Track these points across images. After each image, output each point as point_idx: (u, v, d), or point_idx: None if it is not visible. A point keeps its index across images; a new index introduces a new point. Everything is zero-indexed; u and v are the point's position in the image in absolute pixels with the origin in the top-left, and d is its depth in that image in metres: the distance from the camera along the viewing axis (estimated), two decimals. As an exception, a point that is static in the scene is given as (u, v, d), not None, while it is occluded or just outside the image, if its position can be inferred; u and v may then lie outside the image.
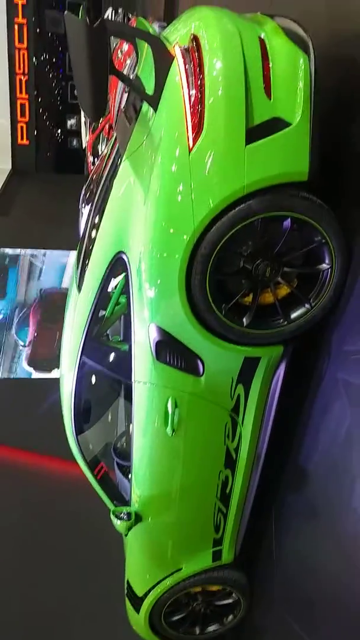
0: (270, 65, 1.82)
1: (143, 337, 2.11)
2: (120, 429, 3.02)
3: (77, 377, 2.40)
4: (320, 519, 2.29)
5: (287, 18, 2.03)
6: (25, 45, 9.84)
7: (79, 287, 2.36)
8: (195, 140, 1.78)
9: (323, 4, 2.43)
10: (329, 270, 1.96)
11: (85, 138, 6.07)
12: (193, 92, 1.80)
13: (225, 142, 1.76)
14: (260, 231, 1.90)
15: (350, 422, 2.00)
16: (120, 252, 2.11)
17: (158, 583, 2.72)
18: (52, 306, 6.17)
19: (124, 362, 2.24)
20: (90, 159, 5.30)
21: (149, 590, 2.75)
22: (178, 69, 1.86)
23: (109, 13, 5.45)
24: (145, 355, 2.14)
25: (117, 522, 2.41)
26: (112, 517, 2.45)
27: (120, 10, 5.09)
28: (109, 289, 2.28)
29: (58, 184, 9.54)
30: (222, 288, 1.98)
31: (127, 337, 2.22)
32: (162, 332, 2.05)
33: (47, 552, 3.72)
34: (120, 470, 2.78)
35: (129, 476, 2.55)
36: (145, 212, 1.92)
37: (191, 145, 1.79)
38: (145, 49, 2.03)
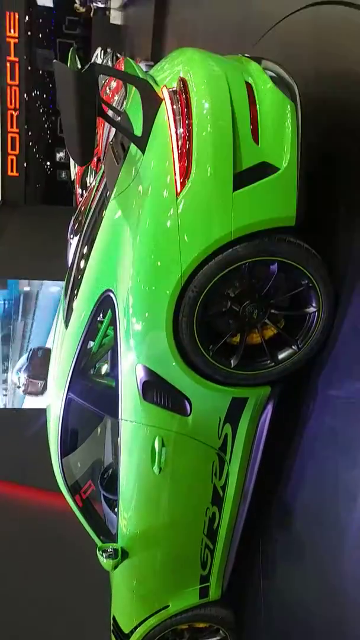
0: (258, 110, 1.83)
1: (130, 376, 2.09)
2: (107, 460, 2.99)
3: (63, 411, 2.37)
4: (306, 557, 2.28)
5: (271, 61, 2.06)
6: (16, 82, 10.43)
7: (66, 322, 2.34)
8: (182, 185, 1.78)
9: (306, 45, 2.47)
10: (316, 313, 1.96)
11: (74, 170, 6.16)
12: (181, 135, 1.81)
13: (212, 188, 1.76)
14: (247, 274, 1.90)
15: (336, 466, 1.99)
16: (108, 290, 2.09)
17: (144, 620, 2.68)
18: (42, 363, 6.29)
19: (111, 400, 2.22)
20: (79, 191, 5.36)
21: (135, 628, 2.71)
22: (166, 112, 1.86)
23: (97, 52, 5.56)
24: (132, 394, 2.12)
25: (103, 560, 2.38)
26: (98, 553, 2.41)
27: (109, 50, 5.19)
28: (97, 323, 2.26)
29: (46, 215, 9.68)
30: (209, 328, 1.97)
31: (114, 374, 2.20)
32: (149, 372, 2.03)
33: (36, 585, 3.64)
34: (107, 503, 2.74)
35: (115, 510, 2.52)
36: (133, 254, 1.91)
37: (179, 190, 1.78)
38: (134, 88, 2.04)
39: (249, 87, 1.87)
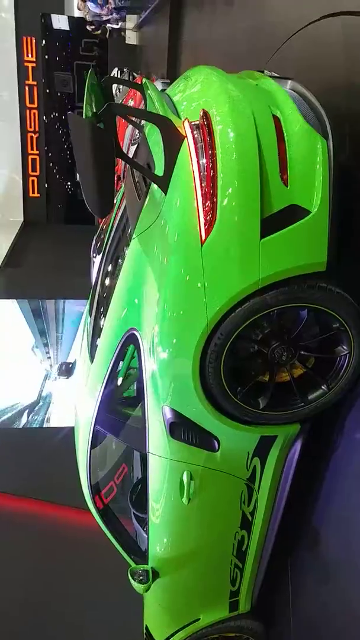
0: (286, 148, 1.72)
1: (156, 415, 2.08)
2: (135, 475, 3.03)
3: (90, 441, 2.39)
4: (331, 581, 2.30)
5: (300, 84, 1.92)
6: (35, 105, 10.69)
7: (91, 357, 2.33)
8: (207, 232, 1.71)
9: (321, 57, 2.34)
10: (348, 355, 1.89)
11: None
12: (204, 177, 1.72)
13: (238, 236, 1.68)
14: (276, 319, 1.84)
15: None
16: (132, 328, 2.06)
17: (177, 632, 2.76)
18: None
19: (138, 433, 2.22)
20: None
21: (168, 638, 2.80)
22: (188, 151, 1.77)
23: (114, 72, 5.41)
24: (159, 431, 2.12)
25: (134, 584, 2.44)
26: (130, 577, 2.47)
27: (125, 70, 5.01)
28: (122, 358, 2.23)
29: (68, 235, 9.60)
30: (236, 370, 1.93)
31: (141, 410, 2.20)
32: (176, 414, 2.01)
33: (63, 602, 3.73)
34: (137, 520, 2.80)
35: (145, 528, 2.57)
36: (157, 299, 1.86)
37: (203, 238, 1.71)
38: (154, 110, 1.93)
39: (276, 121, 1.75)
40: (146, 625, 2.95)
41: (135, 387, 2.42)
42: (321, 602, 2.46)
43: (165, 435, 2.10)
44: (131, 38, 8.46)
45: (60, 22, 10.54)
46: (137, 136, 2.57)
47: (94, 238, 2.91)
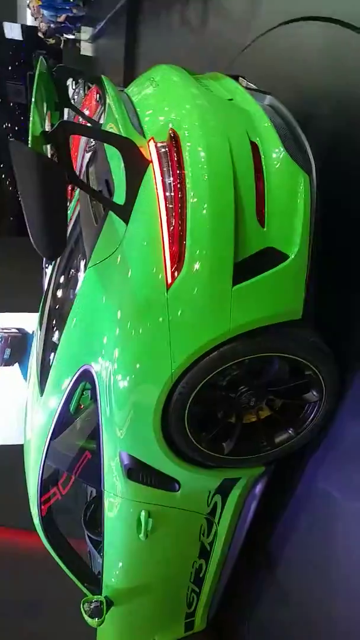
0: (265, 183, 1.53)
1: (113, 458, 1.92)
2: (89, 492, 2.89)
3: (40, 474, 2.22)
4: (288, 602, 2.32)
5: (279, 103, 1.72)
6: None
7: (41, 389, 2.12)
8: (174, 275, 1.52)
9: (278, 64, 2.35)
10: (318, 402, 1.78)
11: None
12: (172, 211, 1.51)
13: (209, 282, 1.50)
14: (245, 365, 1.69)
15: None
16: (87, 365, 1.86)
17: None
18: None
19: (92, 470, 2.06)
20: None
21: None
22: (154, 179, 1.55)
23: (69, 83, 5.06)
24: (114, 471, 1.96)
25: (87, 618, 2.33)
26: (82, 609, 2.36)
27: (80, 81, 4.65)
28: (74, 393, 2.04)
29: (20, 247, 8.89)
30: (200, 415, 1.78)
31: (96, 447, 2.03)
32: (134, 459, 1.86)
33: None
34: (92, 543, 2.67)
35: (100, 553, 2.45)
36: (115, 341, 1.67)
37: (169, 281, 1.52)
38: (114, 109, 1.69)
39: (254, 150, 1.55)
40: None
41: (88, 422, 2.24)
42: (278, 619, 2.47)
43: (121, 476, 1.95)
44: (86, 49, 8.14)
45: (13, 31, 10.05)
46: (93, 143, 2.30)
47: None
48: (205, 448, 1.81)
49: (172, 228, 1.50)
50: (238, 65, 2.79)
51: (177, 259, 1.50)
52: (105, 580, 2.42)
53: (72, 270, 2.23)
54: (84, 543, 2.75)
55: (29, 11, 8.95)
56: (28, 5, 8.39)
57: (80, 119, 2.51)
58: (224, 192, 1.49)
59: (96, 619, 2.31)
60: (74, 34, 8.17)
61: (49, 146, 1.48)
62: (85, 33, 7.88)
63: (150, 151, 1.58)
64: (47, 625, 3.44)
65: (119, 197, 1.61)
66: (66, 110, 2.30)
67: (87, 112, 2.92)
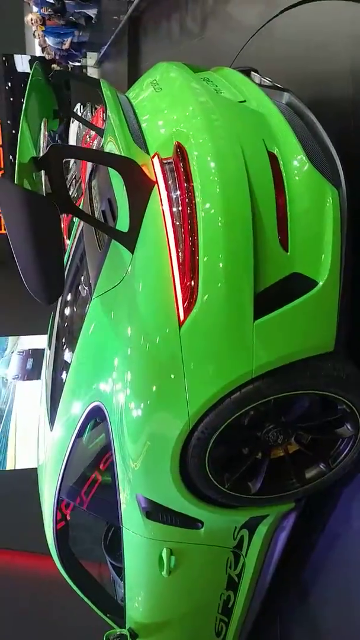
0: (287, 200, 1.34)
1: (130, 497, 1.77)
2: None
3: (55, 509, 2.09)
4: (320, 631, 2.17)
5: (297, 99, 1.51)
6: (0, 143, 10.49)
7: (51, 422, 1.98)
8: (187, 312, 1.34)
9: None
10: (353, 437, 1.60)
11: (62, 224, 5.77)
12: (182, 240, 1.33)
13: (227, 318, 1.33)
14: (271, 405, 1.51)
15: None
16: (97, 402, 1.71)
17: None
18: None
19: (110, 506, 1.92)
20: (67, 241, 4.95)
21: None
22: (160, 203, 1.37)
23: (77, 107, 5.05)
24: (133, 510, 1.82)
25: (112, 656, 2.23)
26: None
27: (87, 104, 4.60)
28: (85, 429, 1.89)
29: None
30: (223, 456, 1.62)
31: (112, 482, 1.89)
32: (152, 502, 1.72)
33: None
34: (114, 568, 2.56)
35: (123, 581, 2.34)
36: (127, 380, 1.50)
37: (182, 319, 1.35)
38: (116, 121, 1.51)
39: (273, 163, 1.35)
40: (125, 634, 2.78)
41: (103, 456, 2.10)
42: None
43: (141, 515, 1.81)
44: (93, 74, 8.57)
45: (23, 64, 10.12)
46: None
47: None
48: (230, 489, 1.65)
49: (182, 259, 1.32)
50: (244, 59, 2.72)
51: (190, 294, 1.32)
52: (128, 611, 2.30)
53: (79, 289, 2.07)
54: (105, 567, 2.65)
55: (36, 41, 8.88)
56: (34, 34, 8.31)
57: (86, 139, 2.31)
58: (241, 217, 1.30)
59: (121, 657, 2.20)
60: (79, 61, 8.41)
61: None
62: (91, 59, 8.23)
63: (155, 169, 1.39)
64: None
65: (123, 223, 1.44)
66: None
67: (94, 133, 2.73)
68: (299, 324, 1.36)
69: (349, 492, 1.90)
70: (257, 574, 2.20)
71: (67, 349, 1.94)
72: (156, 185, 1.37)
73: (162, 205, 1.36)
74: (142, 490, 1.68)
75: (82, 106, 4.73)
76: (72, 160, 5.42)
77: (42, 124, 2.01)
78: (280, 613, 2.51)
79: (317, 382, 1.43)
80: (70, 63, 8.63)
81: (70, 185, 4.97)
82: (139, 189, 1.36)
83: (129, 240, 1.41)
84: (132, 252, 1.43)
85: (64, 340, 2.17)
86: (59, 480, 1.95)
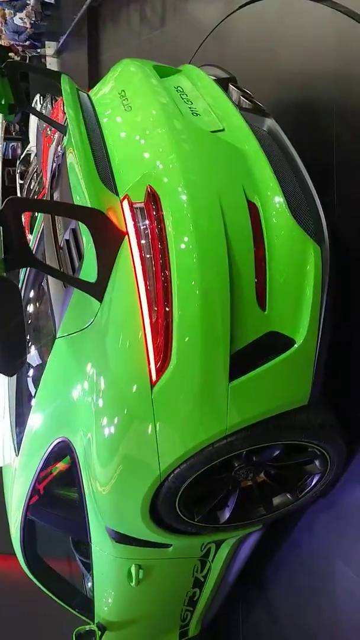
0: (266, 255, 1.25)
1: (99, 527, 1.77)
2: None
3: (22, 524, 2.07)
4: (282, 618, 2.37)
5: (278, 126, 1.40)
6: None
7: (17, 448, 1.92)
8: (159, 373, 1.27)
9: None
10: (321, 474, 1.62)
11: (23, 218, 5.40)
12: (155, 297, 1.24)
13: (201, 380, 1.27)
14: (243, 454, 1.50)
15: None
16: (62, 438, 1.65)
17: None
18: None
19: (78, 524, 1.92)
20: (29, 236, 4.71)
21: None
22: (131, 255, 1.26)
23: (37, 99, 4.65)
24: (102, 535, 1.82)
25: (82, 654, 2.30)
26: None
27: (47, 95, 4.17)
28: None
29: None
30: (194, 494, 1.61)
31: (80, 506, 1.87)
32: (121, 534, 1.71)
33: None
34: (83, 563, 2.61)
35: (91, 576, 2.39)
36: (94, 435, 1.44)
37: (154, 379, 1.28)
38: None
39: (253, 212, 1.25)
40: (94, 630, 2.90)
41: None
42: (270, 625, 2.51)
43: (110, 540, 1.82)
44: (52, 64, 8.05)
45: None
46: (61, 153, 1.92)
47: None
48: (199, 521, 1.66)
49: (155, 318, 1.24)
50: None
51: (163, 355, 1.25)
52: (97, 608, 2.37)
53: (41, 314, 1.93)
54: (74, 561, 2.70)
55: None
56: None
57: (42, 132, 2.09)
58: (217, 273, 1.21)
59: (90, 652, 2.29)
60: (38, 52, 8.02)
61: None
62: (50, 48, 7.81)
63: (125, 214, 1.27)
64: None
65: (90, 270, 1.32)
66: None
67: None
68: (274, 384, 1.32)
69: (313, 506, 1.96)
70: (222, 573, 2.29)
71: (30, 376, 1.84)
72: (126, 236, 1.25)
73: (132, 257, 1.25)
74: (112, 524, 1.67)
75: (41, 97, 4.35)
76: (32, 153, 5.03)
77: None
78: (241, 600, 2.65)
79: (291, 434, 1.42)
80: (27, 52, 8.19)
81: (31, 180, 4.64)
82: (108, 241, 1.24)
83: (97, 290, 1.31)
84: (100, 301, 1.33)
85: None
86: (27, 499, 1.91)
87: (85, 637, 2.34)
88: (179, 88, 1.59)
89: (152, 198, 1.25)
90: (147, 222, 1.25)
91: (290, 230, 1.24)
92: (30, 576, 2.41)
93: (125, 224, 1.26)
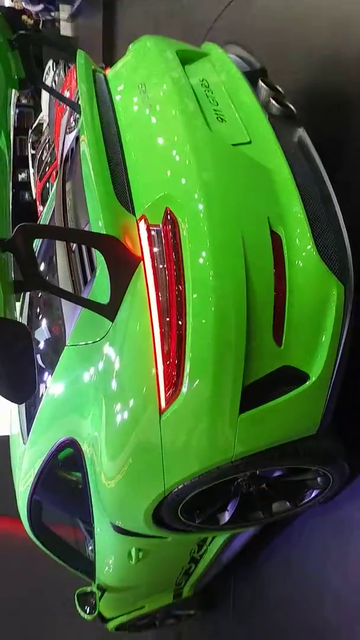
0: (286, 292, 1.20)
1: (103, 520, 1.82)
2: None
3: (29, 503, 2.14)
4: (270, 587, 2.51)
5: (308, 136, 1.31)
6: None
7: (25, 435, 1.94)
8: (169, 401, 1.25)
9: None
10: (321, 490, 1.64)
11: (34, 189, 5.18)
12: (168, 325, 1.21)
13: (210, 412, 1.25)
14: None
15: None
16: (70, 438, 1.67)
17: (120, 616, 2.93)
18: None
19: (82, 507, 1.98)
20: (40, 208, 4.56)
21: (113, 617, 2.97)
22: (146, 282, 1.21)
23: (50, 65, 4.31)
24: (104, 522, 1.89)
25: (81, 612, 2.45)
26: (76, 602, 2.47)
27: (60, 61, 3.73)
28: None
29: None
30: (196, 501, 1.64)
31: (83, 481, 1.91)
32: (124, 530, 1.77)
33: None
34: (86, 530, 2.72)
35: (93, 540, 2.51)
36: (102, 445, 1.45)
37: (163, 406, 1.27)
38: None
39: (276, 244, 1.18)
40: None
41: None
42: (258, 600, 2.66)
43: (112, 529, 1.88)
44: (66, 28, 7.68)
45: None
46: (73, 124, 1.81)
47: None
48: (200, 524, 1.71)
49: (167, 348, 1.21)
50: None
51: (173, 384, 1.23)
52: (97, 573, 2.50)
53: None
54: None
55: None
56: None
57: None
58: (235, 310, 1.16)
59: (90, 615, 2.43)
60: (52, 15, 7.67)
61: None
62: (64, 11, 7.55)
63: (141, 237, 1.21)
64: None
65: (102, 290, 1.27)
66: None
67: (67, 94, 2.29)
68: (285, 417, 1.30)
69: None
70: (218, 553, 2.39)
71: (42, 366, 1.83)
72: (142, 262, 1.20)
73: (147, 283, 1.20)
74: (116, 520, 1.73)
75: (54, 63, 4.02)
76: (44, 122, 4.74)
77: (10, 97, 1.70)
78: (233, 571, 2.79)
79: (296, 460, 1.42)
80: (41, 16, 7.77)
81: (42, 150, 4.42)
82: (123, 267, 1.19)
83: (109, 312, 1.27)
84: (112, 321, 1.30)
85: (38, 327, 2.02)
86: (33, 485, 1.97)
87: (86, 598, 2.47)
88: (204, 82, 1.47)
89: (171, 222, 1.18)
90: (163, 247, 1.19)
91: (315, 266, 1.17)
92: (35, 540, 2.52)
93: (141, 246, 1.20)
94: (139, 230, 1.21)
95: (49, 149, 4.20)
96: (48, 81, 3.88)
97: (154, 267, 1.20)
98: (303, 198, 1.21)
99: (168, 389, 1.24)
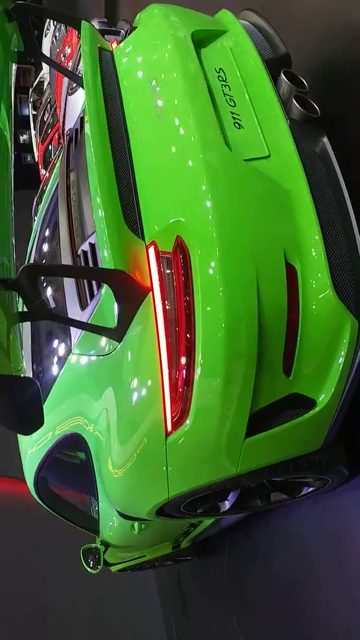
0: (299, 324, 1.16)
1: (107, 505, 1.90)
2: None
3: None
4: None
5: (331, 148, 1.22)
6: None
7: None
8: (175, 426, 1.26)
9: None
10: (319, 488, 1.69)
11: (36, 152, 4.83)
12: (176, 357, 1.18)
13: (216, 438, 1.26)
14: None
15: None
16: (76, 433, 1.70)
17: (123, 562, 3.14)
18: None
19: (88, 484, 2.06)
20: (43, 172, 4.35)
21: (116, 563, 3.19)
22: (154, 309, 1.17)
23: (50, 21, 3.65)
24: (108, 504, 1.97)
25: (87, 568, 2.62)
26: (82, 557, 2.63)
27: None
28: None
29: (15, 200, 6.83)
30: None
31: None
32: (127, 516, 1.85)
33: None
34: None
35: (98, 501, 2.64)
36: (107, 448, 1.48)
37: (169, 430, 1.27)
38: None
39: (291, 277, 1.13)
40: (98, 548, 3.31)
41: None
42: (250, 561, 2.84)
43: (115, 512, 1.97)
44: None
45: None
46: (75, 85, 1.68)
47: (35, 200, 2.23)
48: (201, 513, 1.78)
49: (175, 379, 1.19)
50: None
51: (180, 413, 1.23)
52: (101, 530, 2.65)
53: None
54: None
55: None
56: None
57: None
58: (245, 341, 1.14)
59: (95, 569, 2.60)
60: None
61: None
62: None
63: (150, 265, 1.15)
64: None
65: (109, 314, 1.23)
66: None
67: (68, 51, 2.06)
68: (290, 439, 1.31)
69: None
70: (216, 520, 2.52)
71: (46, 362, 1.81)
72: (151, 292, 1.15)
73: (155, 311, 1.16)
74: (119, 507, 1.80)
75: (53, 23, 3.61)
76: (45, 81, 4.33)
77: (10, 71, 1.57)
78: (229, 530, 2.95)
79: (298, 472, 1.45)
80: None
81: (44, 111, 4.08)
82: (131, 297, 1.14)
83: (117, 335, 1.24)
84: (119, 342, 1.27)
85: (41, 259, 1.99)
86: (41, 462, 2.02)
87: (91, 553, 2.63)
88: (220, 75, 1.33)
89: (182, 251, 1.12)
90: (173, 276, 1.13)
91: (329, 302, 1.13)
92: (39, 502, 2.63)
93: (150, 273, 1.15)
94: (148, 257, 1.15)
95: (50, 109, 3.98)
96: (48, 37, 3.55)
97: (163, 295, 1.15)
98: (322, 225, 1.14)
99: (174, 415, 1.24)
